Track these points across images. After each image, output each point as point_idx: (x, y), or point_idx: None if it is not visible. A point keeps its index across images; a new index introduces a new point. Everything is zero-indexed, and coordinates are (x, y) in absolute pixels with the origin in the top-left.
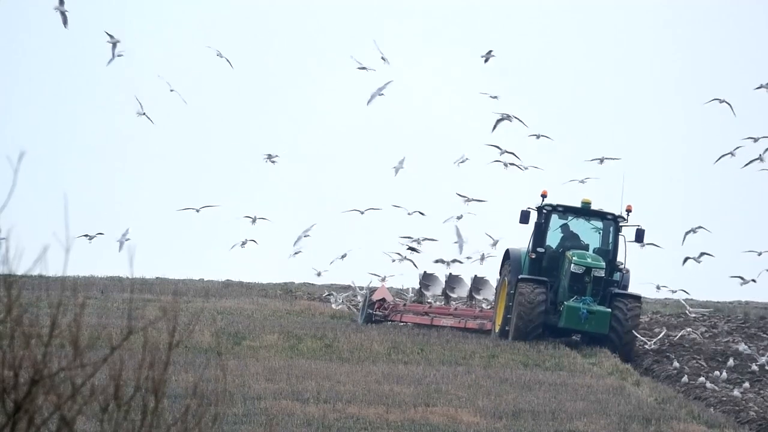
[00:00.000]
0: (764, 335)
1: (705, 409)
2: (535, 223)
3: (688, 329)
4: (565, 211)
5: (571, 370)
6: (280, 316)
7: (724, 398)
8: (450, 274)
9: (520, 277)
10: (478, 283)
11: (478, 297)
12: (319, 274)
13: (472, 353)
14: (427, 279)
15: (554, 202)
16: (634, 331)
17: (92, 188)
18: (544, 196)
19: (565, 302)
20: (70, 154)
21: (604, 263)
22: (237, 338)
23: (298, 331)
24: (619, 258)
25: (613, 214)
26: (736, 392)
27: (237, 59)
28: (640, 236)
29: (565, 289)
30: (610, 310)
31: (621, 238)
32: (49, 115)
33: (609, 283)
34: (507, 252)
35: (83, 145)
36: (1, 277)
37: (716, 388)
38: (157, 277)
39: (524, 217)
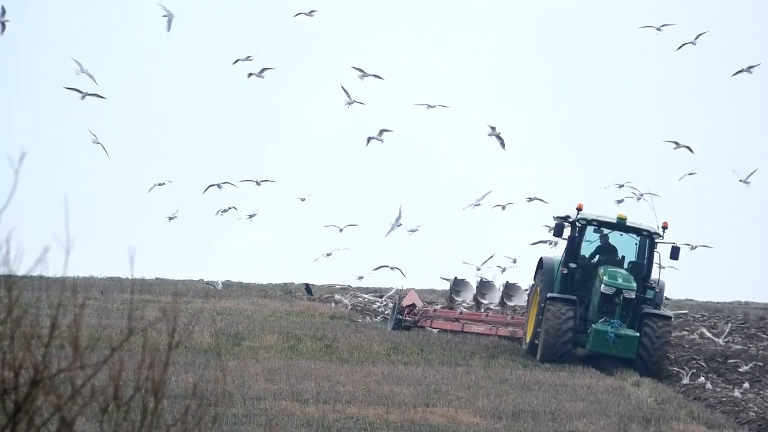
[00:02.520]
0: (764, 335)
1: (705, 409)
2: (569, 236)
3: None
4: (600, 225)
5: (570, 371)
6: (279, 317)
7: (724, 399)
8: (481, 279)
9: (549, 296)
10: (509, 289)
11: (509, 303)
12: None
13: (472, 354)
14: (458, 285)
15: (589, 216)
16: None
17: (92, 189)
18: (579, 209)
19: (593, 325)
20: (70, 154)
21: (635, 284)
22: (237, 339)
23: (298, 332)
24: (653, 275)
25: (648, 230)
26: (736, 393)
27: (234, 54)
28: (675, 253)
29: (595, 308)
30: (638, 334)
31: (656, 255)
32: (50, 115)
33: (641, 301)
34: (541, 260)
35: (84, 145)
36: (2, 277)
37: (716, 388)
38: (156, 278)
39: (558, 230)
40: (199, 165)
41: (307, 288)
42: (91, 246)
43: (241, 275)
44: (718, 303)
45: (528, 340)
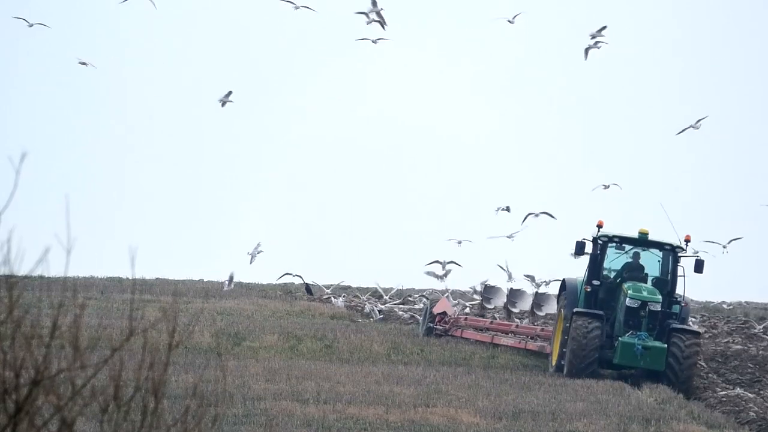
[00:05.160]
0: (764, 335)
1: (705, 409)
2: (591, 254)
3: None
4: (622, 241)
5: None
6: (279, 317)
7: (724, 398)
8: (511, 288)
9: (574, 310)
10: (539, 299)
11: (539, 313)
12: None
13: (472, 354)
14: (488, 292)
15: (611, 233)
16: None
17: (93, 189)
18: (600, 226)
19: (619, 338)
20: (71, 155)
21: (660, 297)
22: (237, 339)
23: (298, 332)
24: (678, 290)
25: (671, 245)
26: (736, 392)
27: (234, 56)
28: (699, 267)
29: (621, 323)
30: (666, 345)
31: (680, 269)
32: (51, 115)
33: (667, 316)
34: (563, 282)
35: (85, 146)
36: (3, 278)
37: (716, 388)
38: (156, 278)
39: (579, 249)
40: (199, 166)
41: (307, 288)
42: (91, 246)
43: (241, 275)
44: (718, 303)
45: (554, 361)
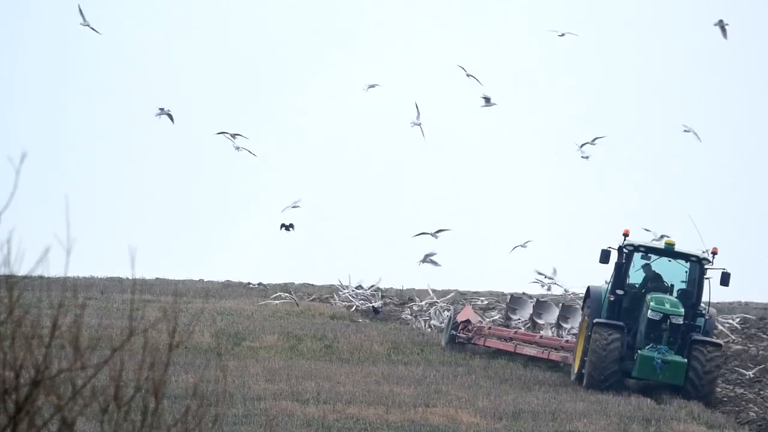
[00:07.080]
0: (764, 335)
1: (705, 409)
2: (616, 263)
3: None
4: (648, 251)
5: (570, 371)
6: (279, 317)
7: (724, 399)
8: (537, 300)
9: (595, 321)
10: (566, 311)
11: (565, 326)
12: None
13: (472, 354)
14: (514, 302)
15: (636, 242)
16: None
17: (93, 189)
18: (626, 235)
19: (639, 351)
20: (71, 155)
21: (683, 310)
22: (237, 339)
23: (298, 332)
24: (703, 302)
25: (697, 256)
26: (736, 392)
27: (234, 55)
28: (725, 280)
29: (642, 334)
30: (686, 360)
31: (705, 282)
32: (51, 115)
33: (690, 328)
34: (588, 290)
35: (84, 146)
36: (3, 278)
37: (716, 388)
38: (156, 278)
39: (604, 257)
40: (199, 165)
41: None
42: (91, 246)
43: (241, 275)
44: (718, 303)
45: (576, 370)
